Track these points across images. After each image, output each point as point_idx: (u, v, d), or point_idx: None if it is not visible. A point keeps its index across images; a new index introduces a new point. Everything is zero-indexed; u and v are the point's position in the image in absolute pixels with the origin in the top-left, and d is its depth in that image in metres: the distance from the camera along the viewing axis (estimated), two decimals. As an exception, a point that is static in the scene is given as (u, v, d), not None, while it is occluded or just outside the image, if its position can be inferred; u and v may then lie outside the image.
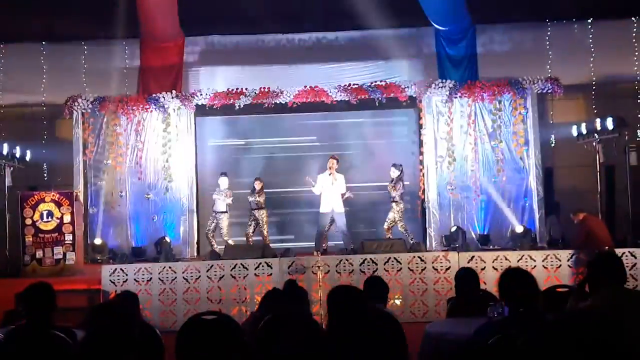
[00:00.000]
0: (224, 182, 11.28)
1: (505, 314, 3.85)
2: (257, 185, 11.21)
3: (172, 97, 11.63)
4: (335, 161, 10.82)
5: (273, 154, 12.60)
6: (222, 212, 11.26)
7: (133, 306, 4.87)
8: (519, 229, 11.05)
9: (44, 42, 12.71)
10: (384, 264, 9.29)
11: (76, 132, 11.63)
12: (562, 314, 3.87)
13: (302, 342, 4.33)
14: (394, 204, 10.85)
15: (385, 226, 10.95)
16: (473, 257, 9.40)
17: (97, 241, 11.27)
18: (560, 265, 9.29)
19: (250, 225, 11.27)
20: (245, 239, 11.33)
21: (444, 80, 11.61)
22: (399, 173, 10.86)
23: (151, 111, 11.71)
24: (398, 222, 10.83)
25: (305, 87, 11.58)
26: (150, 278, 9.31)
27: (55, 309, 4.21)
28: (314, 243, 10.89)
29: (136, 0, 10.94)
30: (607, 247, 9.08)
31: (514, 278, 3.79)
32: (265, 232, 11.25)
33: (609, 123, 10.64)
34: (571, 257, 9.30)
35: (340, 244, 11.07)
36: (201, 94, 11.68)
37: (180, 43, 12.62)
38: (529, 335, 3.24)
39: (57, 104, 12.01)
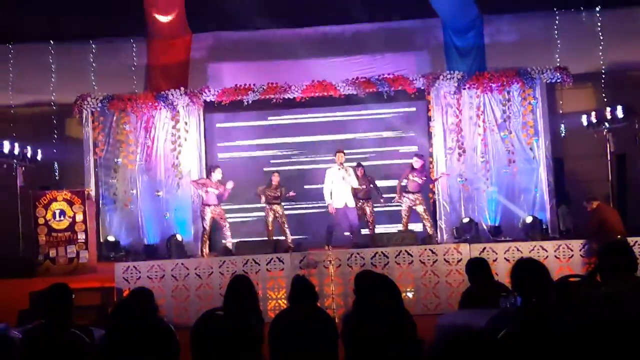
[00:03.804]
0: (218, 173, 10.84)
1: (518, 305, 3.85)
2: (275, 179, 11.13)
3: (181, 94, 11.66)
4: (342, 154, 10.68)
5: (282, 150, 12.59)
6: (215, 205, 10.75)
7: (151, 304, 4.89)
8: (530, 219, 11.02)
9: (52, 42, 12.78)
10: (395, 257, 9.27)
11: (86, 131, 11.70)
12: (574, 303, 3.87)
13: (313, 337, 4.36)
14: (413, 194, 10.81)
15: (405, 220, 10.90)
16: (484, 248, 9.35)
17: (110, 239, 11.33)
18: (572, 255, 9.25)
19: (269, 219, 11.13)
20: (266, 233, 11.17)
21: (452, 72, 11.58)
22: (422, 162, 10.85)
23: (160, 109, 11.75)
24: (423, 211, 10.81)
25: (313, 81, 11.58)
26: (163, 275, 9.34)
27: (72, 309, 4.28)
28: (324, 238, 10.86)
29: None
30: (619, 236, 9.04)
31: (527, 268, 3.78)
32: (285, 226, 11.14)
33: (619, 112, 10.58)
34: (583, 247, 9.28)
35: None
36: (209, 91, 11.70)
37: (188, 39, 12.65)
38: (541, 325, 3.24)
39: (66, 103, 12.06)
